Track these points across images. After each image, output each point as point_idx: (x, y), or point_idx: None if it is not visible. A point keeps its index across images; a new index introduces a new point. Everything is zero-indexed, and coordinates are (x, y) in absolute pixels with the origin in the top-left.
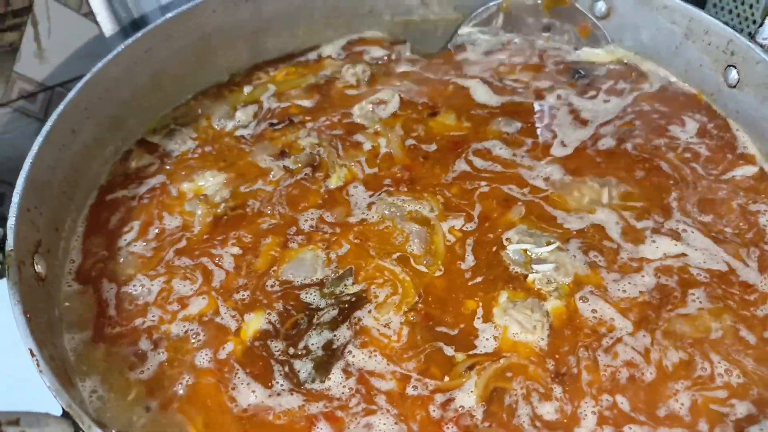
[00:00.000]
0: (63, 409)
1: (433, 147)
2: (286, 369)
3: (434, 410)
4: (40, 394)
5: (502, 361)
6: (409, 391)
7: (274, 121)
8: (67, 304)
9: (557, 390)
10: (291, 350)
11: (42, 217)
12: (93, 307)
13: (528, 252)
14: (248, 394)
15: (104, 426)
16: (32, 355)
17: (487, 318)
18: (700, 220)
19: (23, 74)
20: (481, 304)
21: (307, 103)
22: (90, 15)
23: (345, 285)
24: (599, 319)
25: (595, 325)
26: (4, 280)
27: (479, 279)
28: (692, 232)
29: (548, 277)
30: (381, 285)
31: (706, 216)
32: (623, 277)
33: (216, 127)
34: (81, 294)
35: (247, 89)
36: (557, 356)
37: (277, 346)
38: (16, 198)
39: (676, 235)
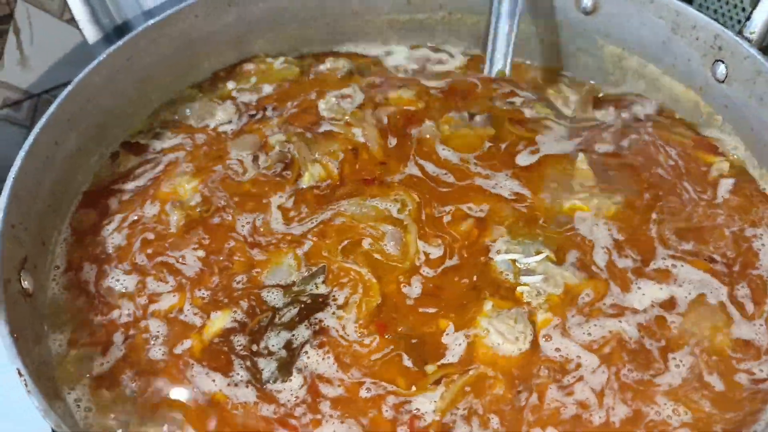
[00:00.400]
0: (52, 429)
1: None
2: (248, 363)
3: (386, 410)
4: (24, 412)
5: (471, 373)
6: (363, 393)
7: (253, 112)
8: (52, 313)
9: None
10: (254, 347)
11: (27, 232)
12: (77, 312)
13: (516, 263)
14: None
15: None
16: (20, 375)
17: (463, 327)
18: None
19: (7, 82)
20: (452, 323)
21: (282, 96)
22: (73, 21)
23: (315, 284)
24: (565, 358)
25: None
26: None
27: (453, 300)
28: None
29: (537, 289)
30: (344, 285)
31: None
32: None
33: (198, 126)
34: (66, 302)
35: (231, 85)
36: (527, 376)
37: (239, 341)
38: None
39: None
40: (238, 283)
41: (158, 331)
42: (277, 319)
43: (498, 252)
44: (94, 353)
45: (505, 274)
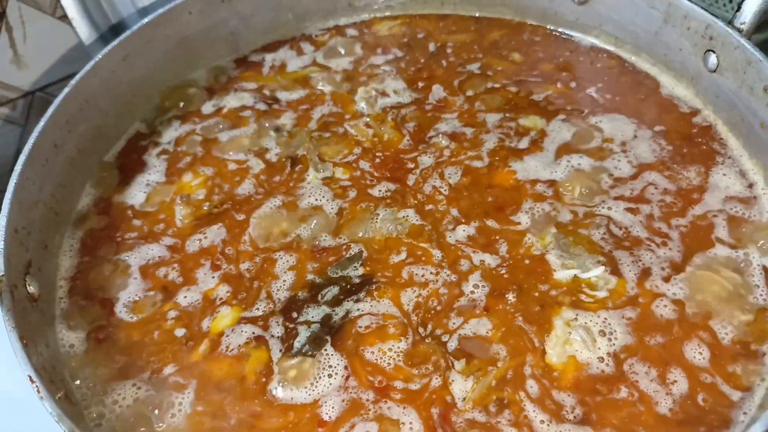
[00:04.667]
0: None
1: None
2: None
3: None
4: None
5: (499, 365)
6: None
7: (265, 104)
8: (60, 316)
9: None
10: (289, 324)
11: (30, 236)
12: (87, 314)
13: (578, 277)
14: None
15: None
16: (32, 381)
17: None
18: None
19: (1, 81)
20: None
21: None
22: (65, 18)
23: (354, 267)
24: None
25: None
26: None
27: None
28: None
29: (605, 303)
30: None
31: None
32: None
33: (204, 112)
34: (75, 304)
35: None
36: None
37: (276, 320)
38: (2, 221)
39: None
40: (256, 281)
41: (175, 330)
42: (320, 297)
43: (555, 269)
44: (105, 353)
45: (568, 290)
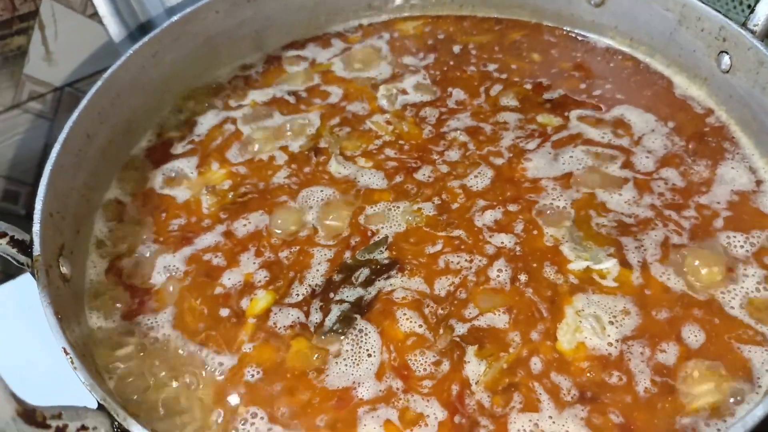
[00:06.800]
0: (98, 402)
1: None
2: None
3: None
4: (75, 388)
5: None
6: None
7: (286, 98)
8: (90, 296)
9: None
10: (324, 305)
11: (64, 221)
12: (117, 297)
13: (590, 267)
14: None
15: (137, 416)
16: (66, 353)
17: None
18: None
19: (32, 76)
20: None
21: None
22: (95, 16)
23: (380, 251)
24: None
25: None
26: (24, 280)
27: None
28: None
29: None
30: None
31: None
32: None
33: (231, 106)
34: (104, 285)
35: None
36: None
37: (316, 306)
38: (39, 204)
39: None
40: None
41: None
42: (354, 279)
43: (569, 261)
44: (135, 332)
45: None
